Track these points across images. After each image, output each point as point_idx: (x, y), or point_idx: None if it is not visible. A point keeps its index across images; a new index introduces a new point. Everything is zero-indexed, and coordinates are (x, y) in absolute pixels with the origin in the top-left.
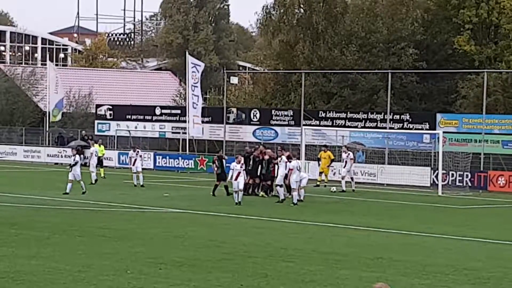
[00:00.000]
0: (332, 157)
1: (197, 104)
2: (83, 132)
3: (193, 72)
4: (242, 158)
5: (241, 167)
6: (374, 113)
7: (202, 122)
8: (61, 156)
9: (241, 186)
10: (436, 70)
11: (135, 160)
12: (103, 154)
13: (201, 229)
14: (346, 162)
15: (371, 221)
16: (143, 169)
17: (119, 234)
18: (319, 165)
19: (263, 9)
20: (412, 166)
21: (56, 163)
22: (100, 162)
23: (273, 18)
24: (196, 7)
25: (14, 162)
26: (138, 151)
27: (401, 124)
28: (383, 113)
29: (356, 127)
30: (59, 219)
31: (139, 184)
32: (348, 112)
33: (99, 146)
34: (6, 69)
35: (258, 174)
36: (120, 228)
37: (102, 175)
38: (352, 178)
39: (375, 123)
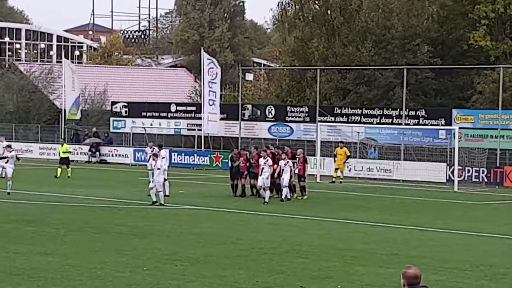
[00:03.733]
0: (348, 154)
1: (214, 101)
2: (94, 129)
3: (210, 68)
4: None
5: (265, 163)
6: (390, 109)
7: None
8: (77, 154)
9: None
10: (452, 65)
11: (150, 157)
12: (67, 152)
13: (216, 226)
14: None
15: (387, 217)
16: None
17: (135, 231)
18: (335, 161)
19: (278, 5)
20: (428, 162)
21: (72, 160)
22: (64, 161)
23: (289, 14)
24: (211, 4)
25: (30, 160)
26: (154, 148)
27: (416, 120)
28: (398, 109)
29: (371, 123)
30: (75, 216)
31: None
32: (364, 108)
33: (61, 146)
34: (22, 67)
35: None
36: (136, 225)
37: (69, 174)
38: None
39: (391, 119)
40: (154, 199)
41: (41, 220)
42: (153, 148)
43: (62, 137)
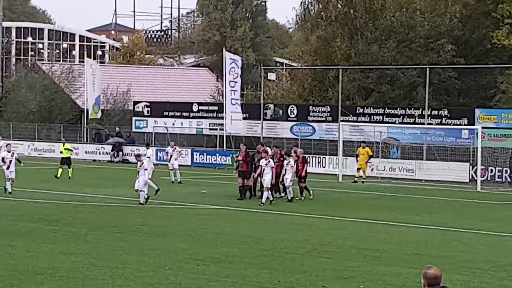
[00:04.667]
0: (371, 153)
1: (236, 100)
2: (117, 128)
3: (232, 67)
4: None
5: (267, 164)
6: (412, 108)
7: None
8: (99, 153)
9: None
10: (475, 65)
11: (171, 156)
12: (69, 152)
13: (238, 226)
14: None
15: (409, 217)
16: (180, 165)
17: (157, 230)
18: (357, 161)
19: (301, 4)
20: (450, 162)
21: (94, 160)
22: (65, 161)
23: (312, 13)
24: (233, 4)
25: (53, 159)
26: (175, 148)
27: (439, 120)
28: (421, 109)
29: (394, 123)
30: (97, 216)
31: (176, 181)
32: (386, 108)
33: (63, 145)
34: (44, 67)
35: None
36: (158, 225)
37: (70, 175)
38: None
39: (413, 119)
40: (148, 195)
41: (63, 219)
42: (175, 148)
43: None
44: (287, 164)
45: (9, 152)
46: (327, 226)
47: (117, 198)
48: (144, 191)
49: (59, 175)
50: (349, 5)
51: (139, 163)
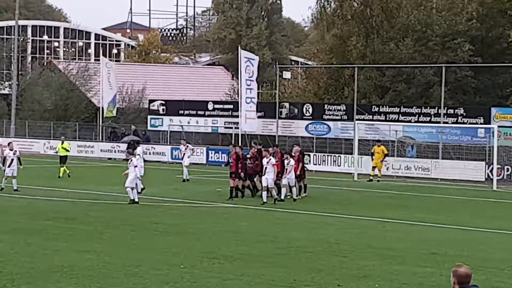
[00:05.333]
0: (386, 152)
1: (252, 99)
2: (133, 127)
3: (247, 66)
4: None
5: (268, 162)
6: (428, 107)
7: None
8: (115, 151)
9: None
10: (492, 64)
11: (184, 154)
12: (66, 151)
13: (254, 224)
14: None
15: (425, 216)
16: (195, 164)
17: (172, 228)
18: (372, 159)
19: (317, 3)
20: (466, 161)
21: (110, 158)
22: (63, 160)
23: (327, 12)
24: (248, 2)
25: (68, 157)
26: (188, 146)
27: (455, 119)
28: (437, 108)
29: (409, 121)
30: (112, 214)
31: (185, 179)
32: (402, 107)
33: (61, 143)
34: (60, 65)
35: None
36: (173, 223)
37: (67, 172)
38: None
39: (429, 118)
40: (132, 197)
41: (79, 217)
42: (187, 146)
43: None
44: (287, 164)
45: (11, 150)
46: (343, 225)
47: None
48: (134, 188)
49: (61, 175)
50: (365, 4)
51: (129, 160)
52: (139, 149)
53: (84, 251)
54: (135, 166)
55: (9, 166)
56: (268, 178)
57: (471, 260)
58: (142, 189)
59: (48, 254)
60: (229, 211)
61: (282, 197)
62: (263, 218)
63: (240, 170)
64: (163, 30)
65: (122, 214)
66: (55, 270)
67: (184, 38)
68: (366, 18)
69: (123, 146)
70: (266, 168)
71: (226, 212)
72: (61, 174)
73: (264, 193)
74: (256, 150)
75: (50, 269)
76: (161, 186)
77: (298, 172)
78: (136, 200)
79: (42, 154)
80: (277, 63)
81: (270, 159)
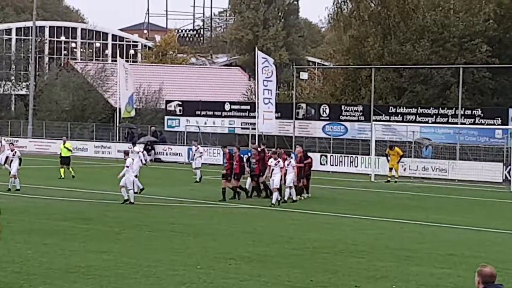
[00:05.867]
0: (401, 153)
1: (270, 99)
2: (153, 128)
3: (265, 67)
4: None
5: (276, 164)
6: (445, 108)
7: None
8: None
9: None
10: (509, 65)
11: (194, 155)
12: (68, 151)
13: (270, 225)
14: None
15: (442, 217)
16: (211, 164)
17: (189, 229)
18: (388, 161)
19: (334, 3)
20: (483, 162)
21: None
22: (65, 161)
23: (344, 13)
24: (265, 3)
25: (85, 158)
26: (198, 147)
27: (473, 120)
28: (454, 109)
29: (426, 122)
30: (129, 215)
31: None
32: (419, 108)
33: (63, 143)
34: (77, 66)
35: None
36: (190, 223)
37: (72, 173)
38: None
39: (446, 119)
40: (126, 197)
41: (96, 218)
42: (198, 147)
43: (115, 136)
44: (287, 165)
45: (12, 151)
46: (360, 226)
47: (149, 196)
48: (131, 189)
49: (63, 175)
50: (382, 4)
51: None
52: (136, 148)
53: (101, 251)
54: (127, 166)
55: (9, 166)
56: (275, 180)
57: (488, 261)
58: (141, 190)
59: (65, 255)
60: (245, 212)
61: (286, 198)
62: (279, 218)
63: (238, 171)
64: (180, 31)
65: (138, 214)
66: (72, 271)
67: (201, 38)
68: (383, 19)
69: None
70: (273, 169)
71: (242, 213)
72: (62, 175)
73: (275, 194)
74: (258, 150)
75: (67, 270)
76: (178, 187)
77: (301, 173)
78: (132, 201)
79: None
80: (294, 64)
81: (278, 161)
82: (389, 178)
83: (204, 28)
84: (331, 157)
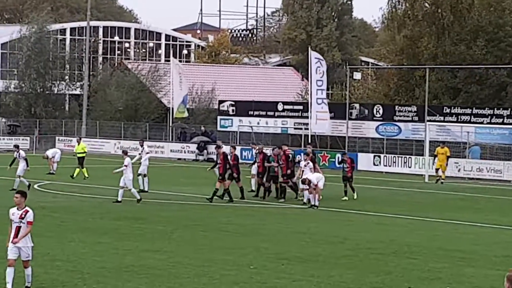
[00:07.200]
0: (449, 154)
1: (323, 99)
2: (203, 128)
3: (318, 67)
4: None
5: (305, 165)
6: (501, 108)
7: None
8: (184, 152)
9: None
10: None
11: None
12: (83, 152)
13: (323, 225)
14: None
15: (497, 218)
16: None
17: (242, 229)
18: (434, 162)
19: (388, 3)
20: None
21: (179, 159)
22: (79, 161)
23: (398, 13)
24: (318, 2)
25: (110, 157)
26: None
27: None
28: (510, 109)
29: (481, 123)
30: (182, 214)
31: None
32: (474, 108)
33: (78, 144)
34: (131, 65)
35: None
36: (243, 224)
37: (85, 174)
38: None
39: (502, 119)
40: (119, 199)
41: (150, 217)
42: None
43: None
44: (304, 166)
45: (16, 153)
46: (413, 226)
47: (202, 196)
48: (131, 188)
49: (75, 175)
50: (436, 4)
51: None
52: (146, 148)
53: (154, 250)
54: (126, 166)
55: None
56: (312, 179)
57: None
58: (142, 191)
59: (119, 254)
60: (298, 212)
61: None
62: (332, 219)
63: (235, 172)
64: (233, 30)
65: (191, 214)
66: (125, 270)
67: (254, 38)
68: (437, 19)
69: (193, 147)
70: (303, 170)
71: (295, 213)
72: (75, 174)
73: (306, 193)
74: (258, 151)
75: (120, 268)
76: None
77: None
78: (119, 199)
79: (112, 154)
80: (347, 64)
81: (308, 162)
82: (437, 178)
83: (257, 28)
84: (385, 157)
